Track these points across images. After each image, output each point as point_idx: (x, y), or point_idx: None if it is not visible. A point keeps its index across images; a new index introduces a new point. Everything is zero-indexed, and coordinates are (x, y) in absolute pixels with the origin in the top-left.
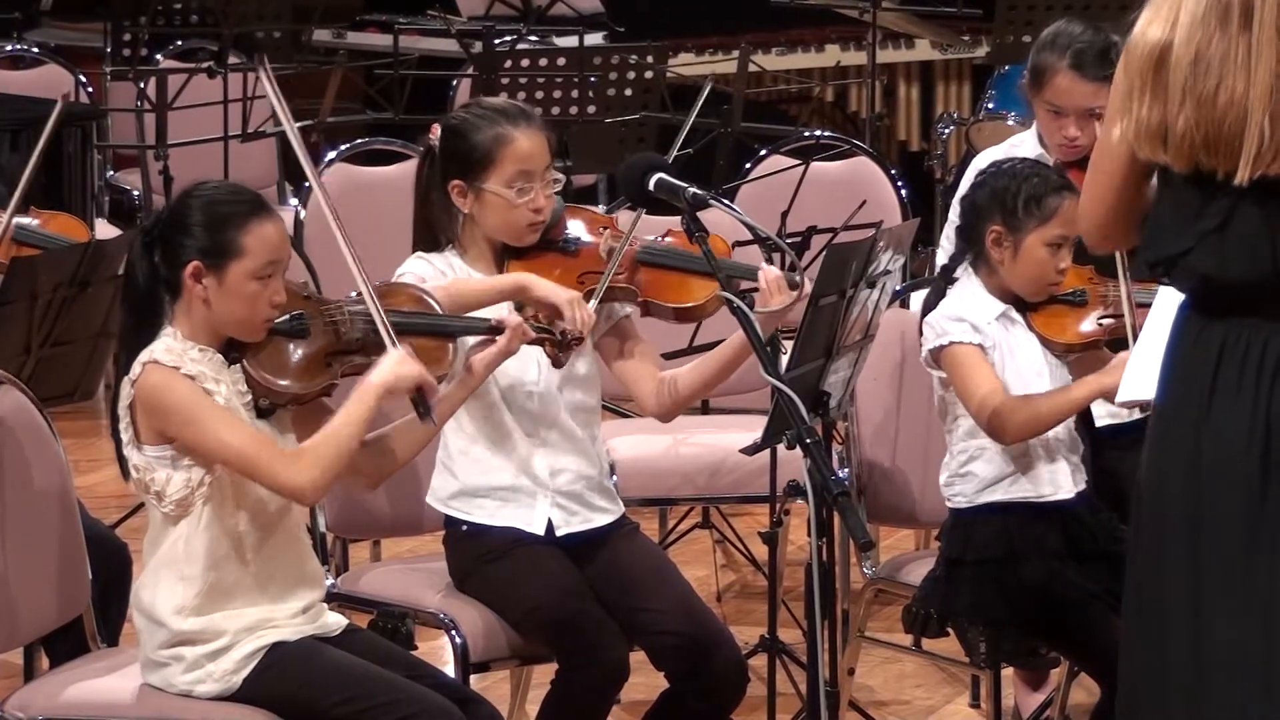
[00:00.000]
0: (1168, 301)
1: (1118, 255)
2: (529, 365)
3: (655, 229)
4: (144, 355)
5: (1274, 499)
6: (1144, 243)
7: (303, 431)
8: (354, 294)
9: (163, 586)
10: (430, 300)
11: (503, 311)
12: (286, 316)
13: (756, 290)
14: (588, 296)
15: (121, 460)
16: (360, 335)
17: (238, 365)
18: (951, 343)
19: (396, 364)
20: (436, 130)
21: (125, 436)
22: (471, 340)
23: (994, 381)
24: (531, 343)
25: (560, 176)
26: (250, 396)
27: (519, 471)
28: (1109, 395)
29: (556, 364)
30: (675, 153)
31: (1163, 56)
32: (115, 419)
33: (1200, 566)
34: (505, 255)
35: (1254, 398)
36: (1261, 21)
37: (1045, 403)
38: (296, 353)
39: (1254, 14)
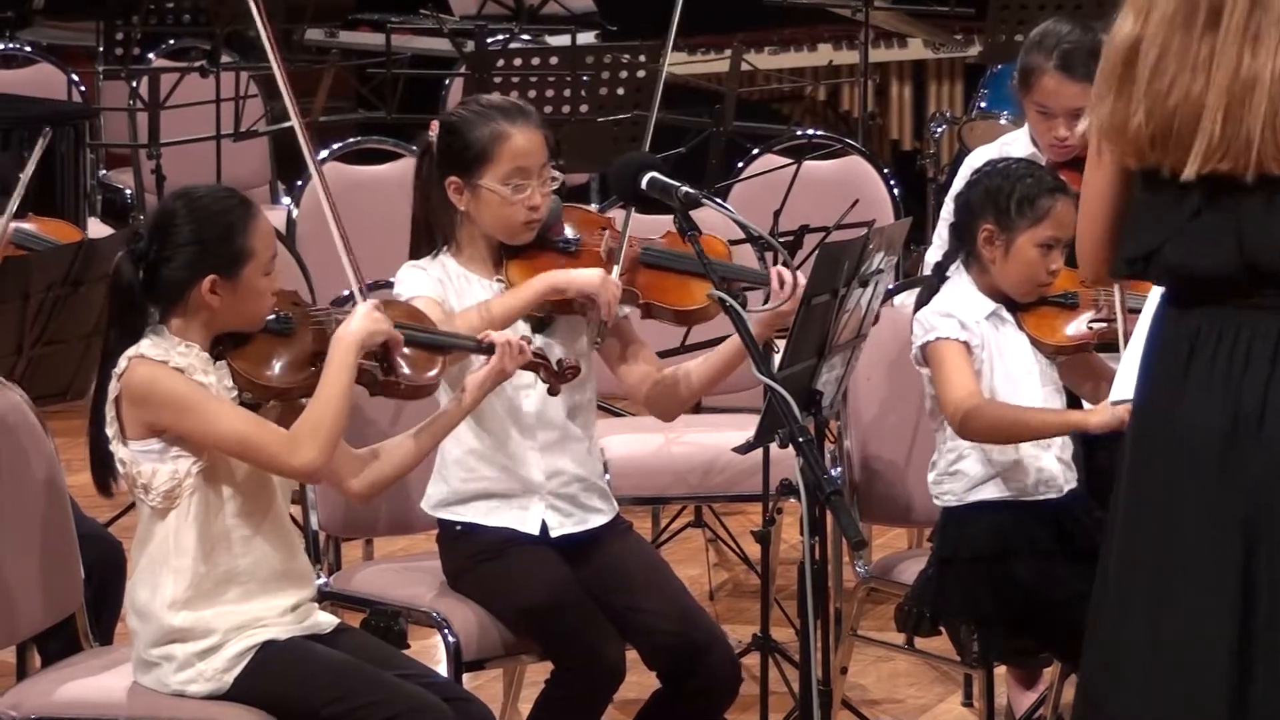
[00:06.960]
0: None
1: None
2: None
3: (648, 228)
4: (130, 351)
5: (1234, 487)
6: (1123, 239)
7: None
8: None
9: (154, 581)
10: (426, 316)
11: (507, 333)
12: (274, 315)
13: (757, 288)
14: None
15: (95, 469)
16: None
17: (223, 361)
18: (937, 338)
19: (366, 317)
20: (435, 127)
21: (110, 431)
22: (477, 362)
23: (971, 383)
24: (526, 368)
25: (558, 175)
26: (236, 393)
27: (514, 475)
28: (1086, 431)
29: (552, 392)
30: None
31: (1132, 52)
32: (94, 423)
33: (1168, 553)
34: (503, 255)
35: (1224, 389)
36: (1228, 27)
37: (1016, 416)
38: (282, 350)
39: (1221, 17)
